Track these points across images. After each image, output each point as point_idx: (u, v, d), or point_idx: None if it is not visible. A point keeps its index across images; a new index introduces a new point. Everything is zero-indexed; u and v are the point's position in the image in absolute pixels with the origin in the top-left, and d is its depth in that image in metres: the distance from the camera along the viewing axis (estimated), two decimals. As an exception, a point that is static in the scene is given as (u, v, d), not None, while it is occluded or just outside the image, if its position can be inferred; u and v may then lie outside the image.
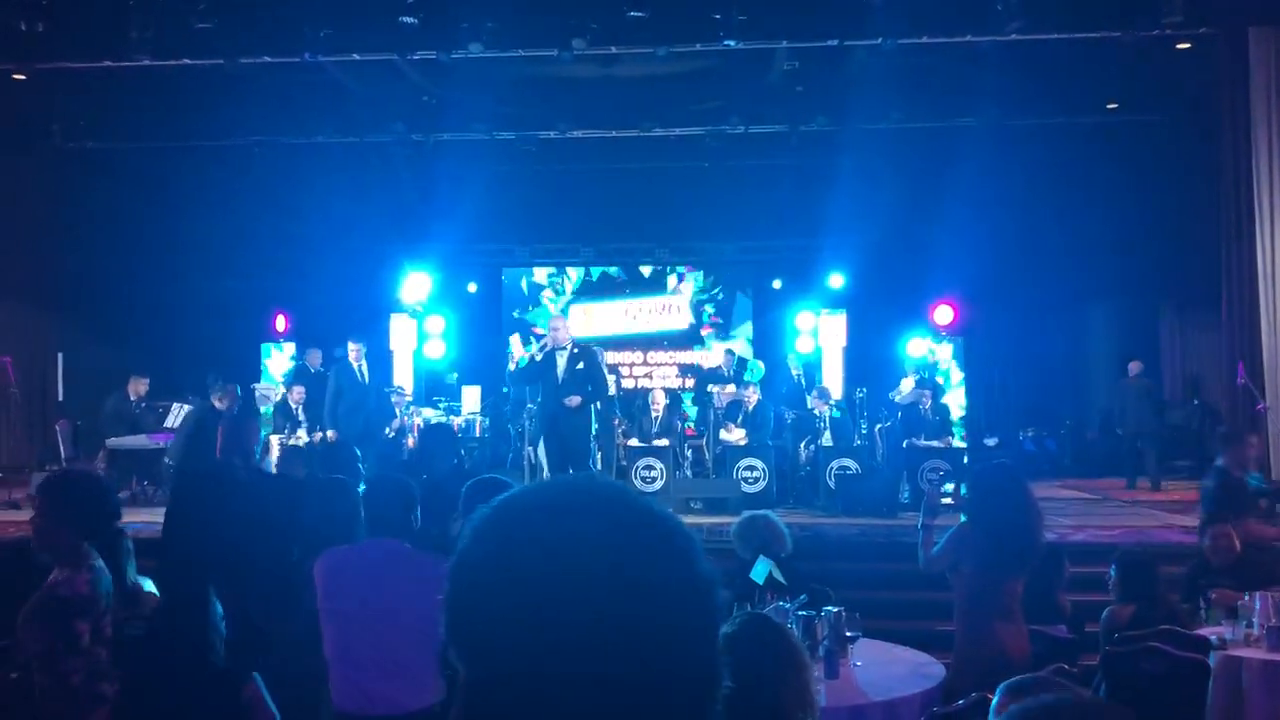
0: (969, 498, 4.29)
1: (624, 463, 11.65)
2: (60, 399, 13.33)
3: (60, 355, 13.55)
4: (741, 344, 16.10)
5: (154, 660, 3.26)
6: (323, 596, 3.72)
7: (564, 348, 9.01)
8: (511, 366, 10.29)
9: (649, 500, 0.99)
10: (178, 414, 11.67)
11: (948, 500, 5.10)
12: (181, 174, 14.33)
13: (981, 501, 4.18)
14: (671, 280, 16.67)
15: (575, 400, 8.86)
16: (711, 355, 15.48)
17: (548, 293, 16.76)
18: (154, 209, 14.34)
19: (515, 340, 16.27)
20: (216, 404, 9.71)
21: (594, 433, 9.97)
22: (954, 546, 4.21)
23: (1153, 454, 12.54)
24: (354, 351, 10.71)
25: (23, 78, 11.60)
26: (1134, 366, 12.67)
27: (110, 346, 13.87)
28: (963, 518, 4.27)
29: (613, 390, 12.13)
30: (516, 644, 0.87)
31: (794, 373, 13.10)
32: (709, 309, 16.65)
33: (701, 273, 16.60)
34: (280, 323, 13.85)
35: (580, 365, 9.01)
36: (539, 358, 9.04)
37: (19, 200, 13.20)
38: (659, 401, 12.27)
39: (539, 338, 14.17)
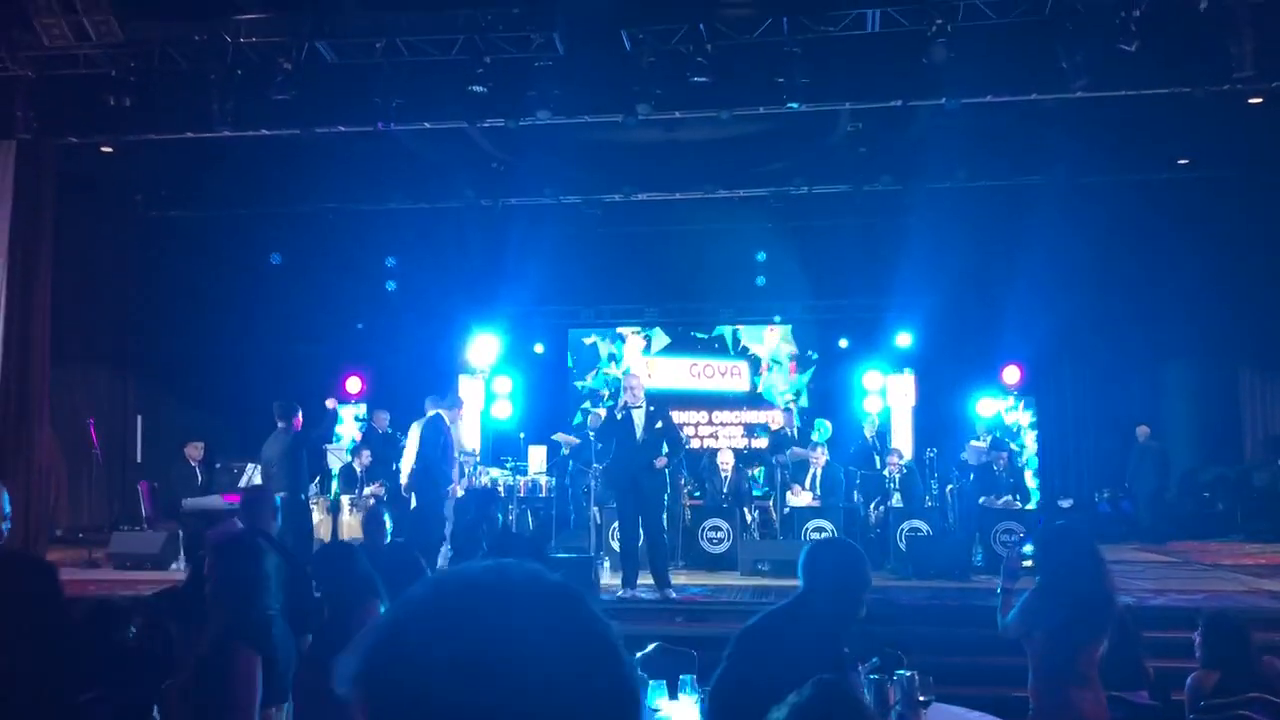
0: (1037, 560, 4.22)
1: (690, 523, 11.59)
2: (139, 460, 13.65)
3: (140, 417, 13.90)
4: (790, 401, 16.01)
5: None
6: None
7: (639, 406, 9.02)
8: (592, 423, 10.30)
9: (563, 585, 0.98)
10: (251, 474, 11.88)
11: (1028, 564, 4.99)
12: (258, 240, 14.75)
13: (1048, 564, 4.11)
14: (742, 331, 16.68)
15: (663, 461, 8.89)
16: (776, 415, 15.39)
17: (612, 349, 16.88)
18: (230, 274, 14.76)
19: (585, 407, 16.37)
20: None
21: (667, 497, 9.94)
22: (1026, 610, 4.12)
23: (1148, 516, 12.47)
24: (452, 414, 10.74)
25: (110, 150, 12.06)
26: (1142, 431, 12.72)
27: (188, 408, 14.21)
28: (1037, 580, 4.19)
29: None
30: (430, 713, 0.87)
31: (868, 433, 12.97)
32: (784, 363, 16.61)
33: (790, 326, 16.59)
34: (352, 384, 14.08)
35: (659, 424, 9.02)
36: (619, 416, 9.06)
37: (102, 266, 13.66)
38: (727, 462, 12.23)
39: (597, 401, 14.27)
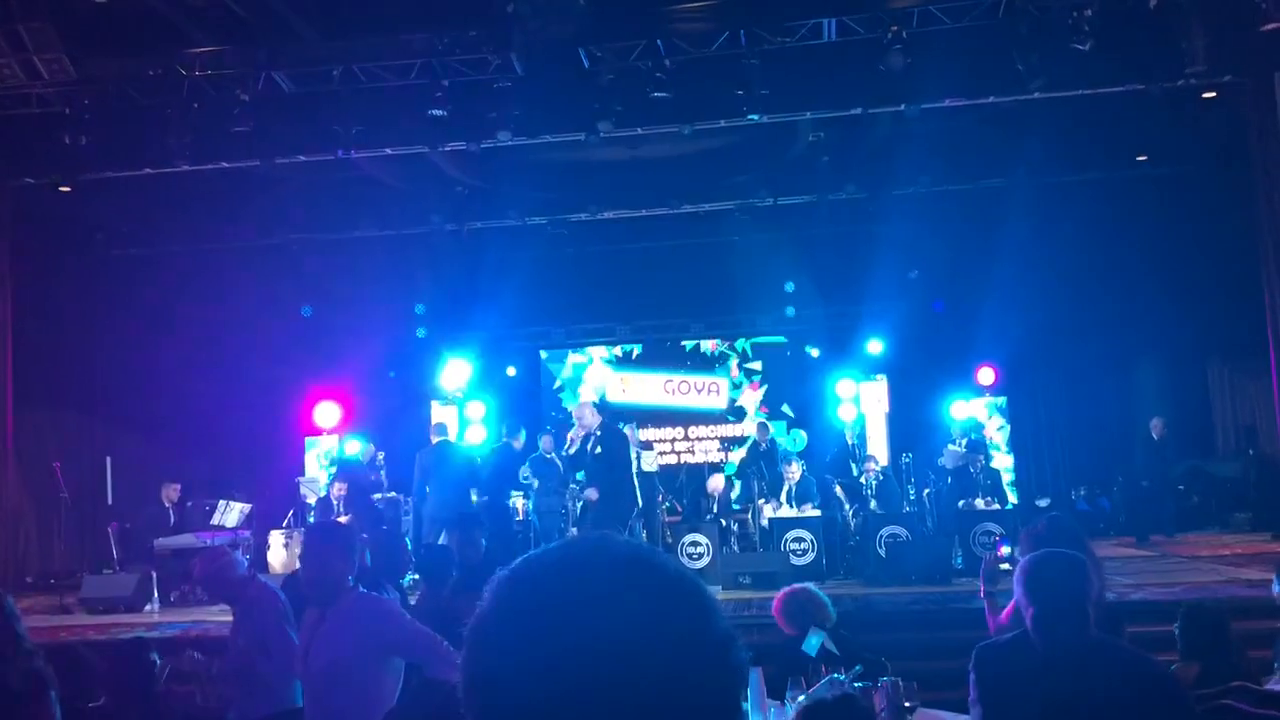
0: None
1: (669, 540, 11.54)
2: (110, 502, 13.45)
3: (109, 459, 13.71)
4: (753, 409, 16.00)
5: None
6: None
7: (593, 433, 9.05)
8: (567, 451, 10.35)
9: (665, 558, 0.97)
10: (224, 511, 11.74)
11: (1006, 566, 4.97)
12: (223, 274, 14.61)
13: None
14: (711, 345, 16.68)
15: (593, 494, 8.88)
16: (751, 428, 15.39)
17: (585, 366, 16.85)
18: (195, 309, 14.61)
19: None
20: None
21: (636, 511, 9.91)
22: (1019, 611, 4.09)
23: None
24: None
25: (67, 189, 11.94)
26: (1156, 425, 12.85)
27: (158, 447, 14.03)
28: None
29: (653, 467, 12.10)
30: (532, 706, 0.86)
31: (849, 441, 12.98)
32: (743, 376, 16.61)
33: (746, 343, 16.59)
34: (320, 415, 13.96)
35: (598, 449, 9.04)
36: (572, 450, 9.12)
37: (64, 307, 13.49)
38: (717, 486, 12.25)
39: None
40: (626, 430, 12.66)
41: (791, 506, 11.54)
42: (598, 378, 16.80)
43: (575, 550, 0.96)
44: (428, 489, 10.50)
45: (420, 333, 15.79)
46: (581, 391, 16.46)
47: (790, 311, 15.87)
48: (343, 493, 11.45)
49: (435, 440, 10.98)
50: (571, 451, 9.46)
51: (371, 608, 4.00)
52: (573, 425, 10.93)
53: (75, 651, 3.78)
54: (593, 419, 9.27)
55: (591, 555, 0.95)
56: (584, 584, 0.91)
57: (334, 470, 12.29)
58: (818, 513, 11.30)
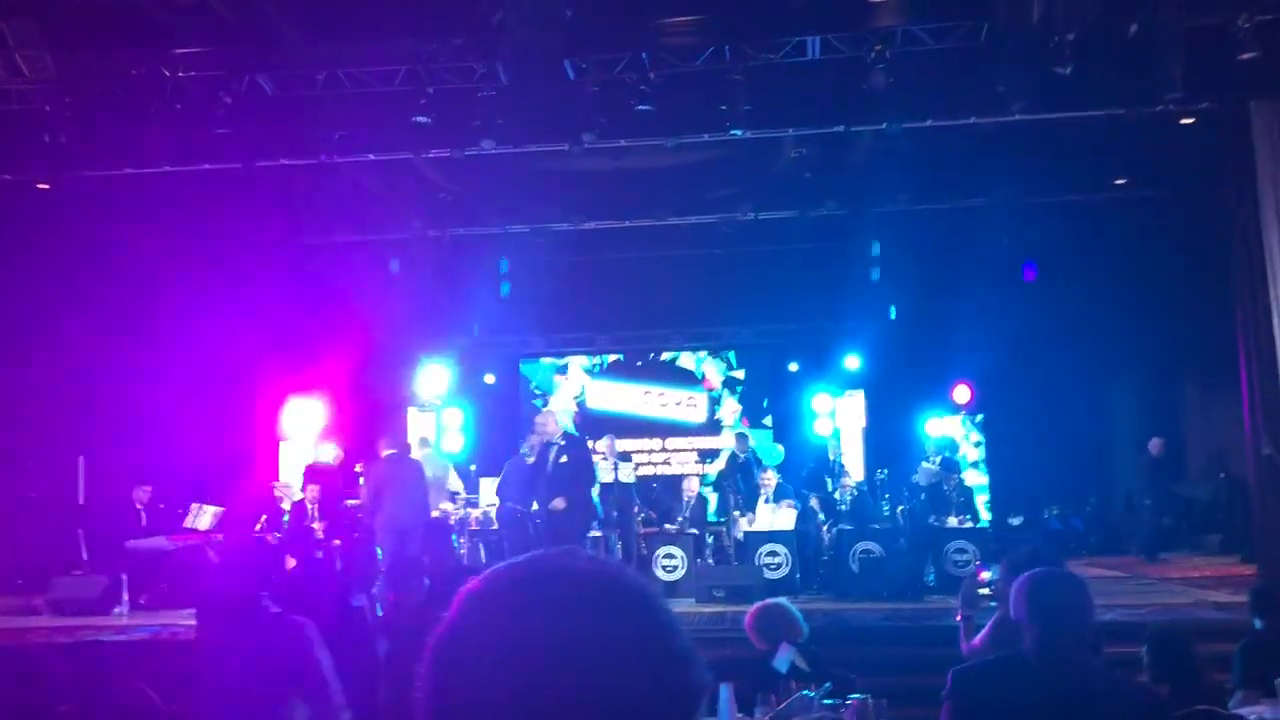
0: (1006, 586, 4.19)
1: (645, 552, 11.55)
2: (81, 502, 13.34)
3: (81, 459, 13.60)
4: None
5: None
6: None
7: (554, 443, 9.05)
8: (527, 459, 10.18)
9: (629, 575, 0.98)
10: (197, 514, 11.66)
11: (985, 591, 4.99)
12: (199, 276, 14.52)
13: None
14: (686, 359, 16.71)
15: (560, 504, 8.88)
16: (729, 440, 15.40)
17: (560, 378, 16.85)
18: (173, 310, 14.51)
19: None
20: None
21: (598, 520, 9.90)
22: (995, 637, 4.12)
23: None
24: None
25: (46, 187, 11.84)
26: (1155, 444, 12.88)
27: (131, 448, 13.91)
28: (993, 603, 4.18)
29: (630, 478, 12.10)
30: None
31: (830, 455, 13.02)
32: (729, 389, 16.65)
33: (732, 353, 16.62)
34: (295, 419, 13.88)
35: (564, 459, 9.04)
36: (531, 459, 9.11)
37: (41, 308, 13.37)
38: (692, 489, 12.24)
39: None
40: (605, 442, 12.67)
41: (770, 504, 11.55)
42: (575, 386, 16.80)
43: (539, 567, 0.97)
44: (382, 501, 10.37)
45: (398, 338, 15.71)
46: (554, 401, 16.46)
47: (770, 325, 15.93)
48: (316, 495, 11.39)
49: (385, 453, 10.83)
50: (530, 460, 9.44)
51: (290, 633, 3.75)
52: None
53: (40, 655, 3.71)
54: (555, 428, 9.33)
55: (556, 572, 0.96)
56: (547, 601, 0.92)
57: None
58: (794, 509, 11.36)
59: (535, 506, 10.30)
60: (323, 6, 9.84)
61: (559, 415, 11.35)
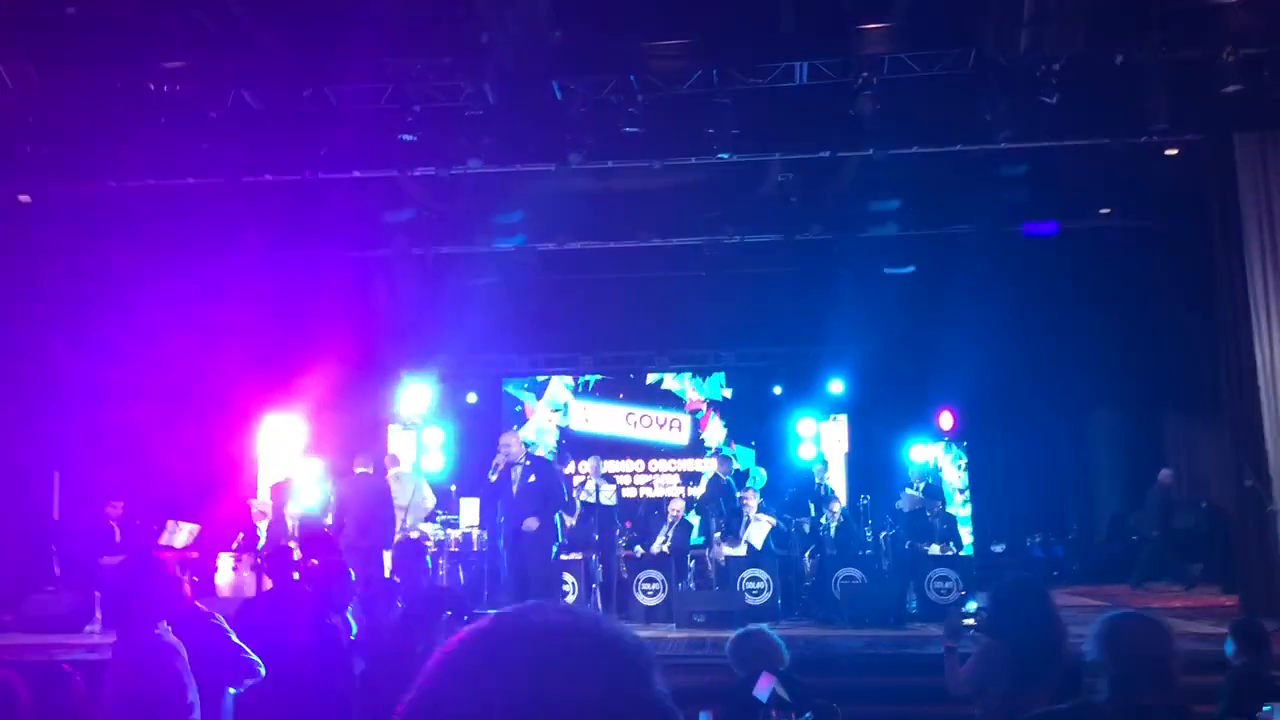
0: (992, 616, 4.14)
1: (625, 575, 11.47)
2: (55, 518, 13.17)
3: (57, 474, 13.44)
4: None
5: None
6: None
7: (518, 463, 9.03)
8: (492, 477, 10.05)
9: (604, 625, 0.98)
10: (172, 531, 11.52)
11: (969, 621, 4.93)
12: (177, 291, 14.40)
13: (1006, 619, 4.03)
14: (670, 381, 16.67)
15: (533, 524, 8.84)
16: (711, 463, 15.34)
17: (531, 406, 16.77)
18: (151, 325, 14.39)
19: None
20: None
21: (557, 548, 9.81)
22: (980, 669, 4.06)
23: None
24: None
25: (27, 199, 11.74)
26: (1166, 475, 12.94)
27: (107, 465, 13.75)
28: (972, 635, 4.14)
29: (611, 500, 12.03)
30: None
31: (815, 480, 12.98)
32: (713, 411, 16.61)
33: (721, 375, 16.57)
34: (273, 436, 13.78)
35: (532, 478, 9.01)
36: (493, 478, 9.09)
37: (13, 322, 13.24)
38: (676, 511, 12.19)
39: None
40: (590, 463, 12.61)
41: (759, 517, 11.54)
42: (552, 408, 16.72)
43: (512, 625, 0.97)
44: (345, 520, 10.27)
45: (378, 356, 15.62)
46: (534, 420, 16.39)
47: (754, 348, 15.91)
48: (296, 514, 11.29)
49: (357, 470, 10.76)
50: (493, 479, 9.42)
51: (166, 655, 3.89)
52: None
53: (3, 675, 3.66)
54: (519, 449, 9.33)
55: (529, 631, 0.96)
56: (521, 662, 0.92)
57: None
58: (771, 522, 11.36)
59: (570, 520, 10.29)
60: (310, 22, 9.80)
61: (538, 433, 11.29)
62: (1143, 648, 2.95)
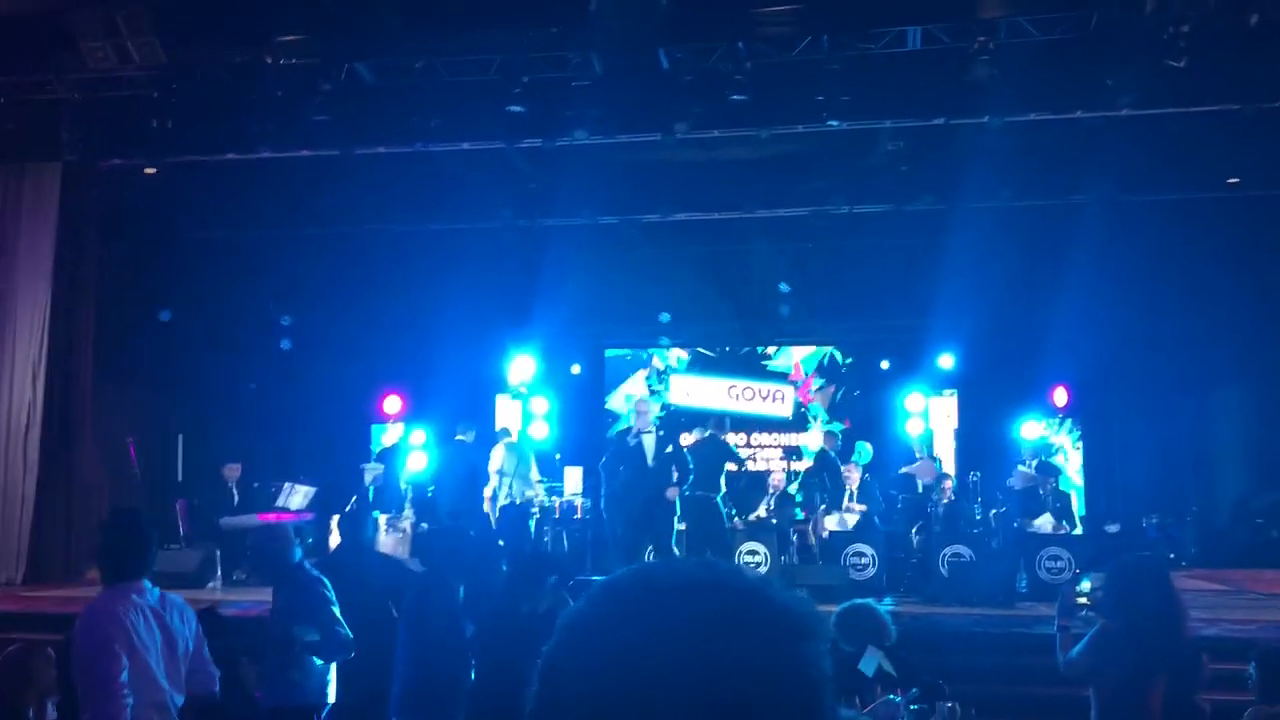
0: (1110, 598, 4.00)
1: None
2: (180, 479, 13.72)
3: (181, 437, 13.98)
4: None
5: None
6: None
7: (650, 431, 9.04)
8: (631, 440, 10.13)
9: (753, 581, 0.95)
10: (289, 493, 11.90)
11: (1083, 600, 4.79)
12: (297, 260, 14.83)
13: (1125, 600, 3.89)
14: (781, 358, 16.54)
15: (674, 492, 8.86)
16: (817, 436, 15.18)
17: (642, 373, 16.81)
18: (269, 294, 14.85)
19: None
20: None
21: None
22: (1096, 650, 3.93)
23: None
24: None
25: (152, 172, 12.18)
26: None
27: (228, 428, 14.28)
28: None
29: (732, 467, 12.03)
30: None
31: (918, 454, 12.79)
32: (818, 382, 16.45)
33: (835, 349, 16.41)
34: (390, 404, 14.11)
35: (669, 449, 9.01)
36: (632, 443, 9.08)
37: (144, 287, 13.79)
38: (778, 482, 12.15)
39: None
40: (698, 433, 12.63)
41: (854, 502, 11.44)
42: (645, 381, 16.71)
43: (692, 574, 0.94)
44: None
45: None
46: (632, 389, 16.42)
47: (862, 321, 15.66)
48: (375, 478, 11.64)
49: (458, 438, 11.05)
50: (632, 443, 9.42)
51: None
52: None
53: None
54: (651, 416, 9.35)
55: (706, 584, 0.93)
56: (666, 610, 0.89)
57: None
58: (863, 507, 11.26)
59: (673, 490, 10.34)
60: (421, -4, 9.93)
61: (627, 400, 11.28)
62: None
